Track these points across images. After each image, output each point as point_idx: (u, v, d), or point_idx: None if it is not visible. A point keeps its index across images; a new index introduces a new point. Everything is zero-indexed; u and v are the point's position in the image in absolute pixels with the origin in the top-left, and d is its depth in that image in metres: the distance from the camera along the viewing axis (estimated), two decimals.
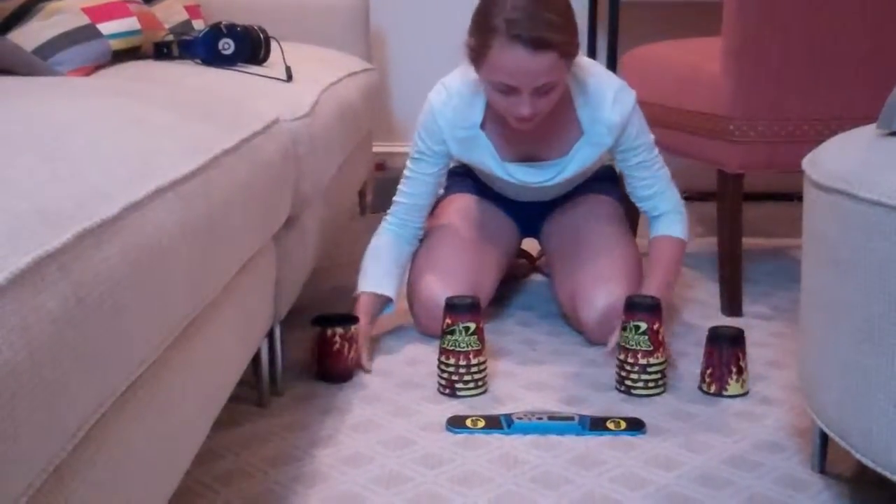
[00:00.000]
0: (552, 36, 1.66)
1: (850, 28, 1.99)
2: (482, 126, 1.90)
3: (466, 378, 1.68)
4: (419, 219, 1.99)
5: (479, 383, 1.69)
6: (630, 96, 1.89)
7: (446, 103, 1.89)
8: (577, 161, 1.93)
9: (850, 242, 1.16)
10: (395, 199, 1.99)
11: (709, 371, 1.71)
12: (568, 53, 1.72)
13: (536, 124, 1.79)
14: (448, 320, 1.70)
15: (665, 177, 1.96)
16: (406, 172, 1.97)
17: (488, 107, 1.86)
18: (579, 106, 1.88)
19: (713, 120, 2.07)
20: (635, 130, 1.90)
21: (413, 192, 1.97)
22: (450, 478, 1.40)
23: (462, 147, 1.92)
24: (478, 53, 1.73)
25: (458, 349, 1.68)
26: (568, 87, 1.84)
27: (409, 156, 1.97)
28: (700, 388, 1.72)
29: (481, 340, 1.70)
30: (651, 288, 1.85)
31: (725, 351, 1.69)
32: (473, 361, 1.68)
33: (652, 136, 1.94)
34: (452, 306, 1.70)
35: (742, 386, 1.70)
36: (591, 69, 1.90)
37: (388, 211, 2.00)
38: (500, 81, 1.72)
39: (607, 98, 1.87)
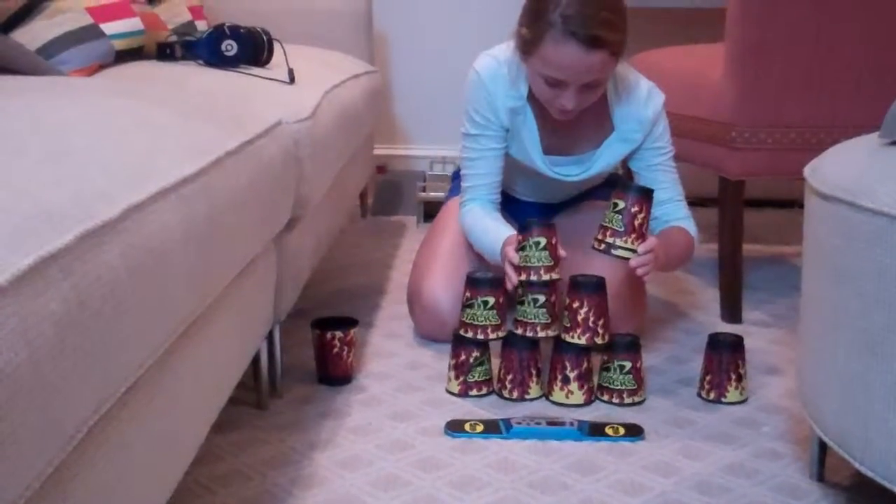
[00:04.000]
0: (606, 34, 1.66)
1: (853, 37, 1.99)
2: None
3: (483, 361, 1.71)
4: (496, 195, 1.92)
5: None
6: (661, 95, 1.90)
7: (497, 70, 1.86)
8: (606, 157, 1.92)
9: (851, 251, 1.16)
10: (464, 185, 1.93)
11: (708, 378, 1.71)
12: (618, 52, 1.72)
13: (574, 116, 1.80)
14: (468, 294, 1.72)
15: (680, 191, 1.94)
16: (468, 154, 1.91)
17: (530, 93, 1.85)
18: (612, 102, 1.88)
19: (715, 126, 2.07)
20: (662, 129, 1.90)
21: (484, 170, 1.91)
22: (448, 482, 1.40)
23: (511, 119, 1.88)
24: (529, 45, 1.73)
25: (475, 322, 1.70)
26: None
27: (463, 138, 1.91)
28: (699, 395, 1.72)
29: (501, 315, 1.72)
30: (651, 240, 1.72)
31: (725, 358, 1.69)
32: (491, 336, 1.71)
33: (673, 149, 1.93)
34: (474, 280, 1.72)
35: (741, 393, 1.70)
36: (625, 66, 1.90)
37: (461, 200, 1.94)
38: (549, 74, 1.72)
39: (641, 94, 1.88)
